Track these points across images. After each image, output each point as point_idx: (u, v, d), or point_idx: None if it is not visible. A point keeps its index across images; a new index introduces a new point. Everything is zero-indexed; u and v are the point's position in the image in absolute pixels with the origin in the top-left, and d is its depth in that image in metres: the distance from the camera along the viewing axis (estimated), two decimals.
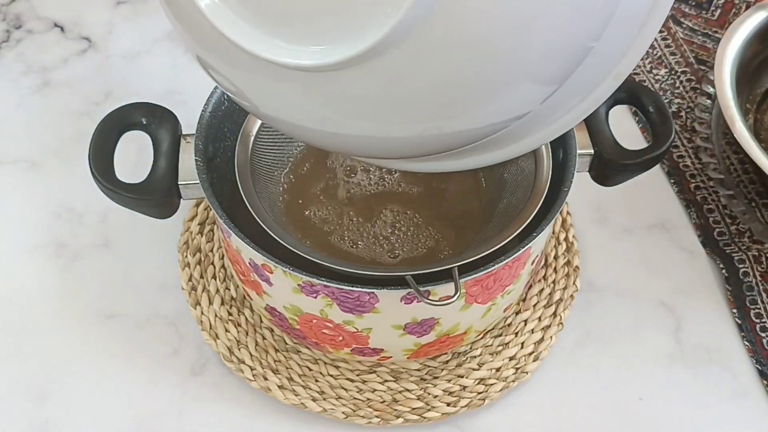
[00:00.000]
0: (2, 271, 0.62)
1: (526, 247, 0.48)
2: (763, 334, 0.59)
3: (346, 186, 0.56)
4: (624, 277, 0.63)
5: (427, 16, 0.28)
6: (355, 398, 0.56)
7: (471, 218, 0.55)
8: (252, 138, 0.52)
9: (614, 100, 0.53)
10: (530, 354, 0.58)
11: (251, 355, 0.57)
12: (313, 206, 0.55)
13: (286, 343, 0.58)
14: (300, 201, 0.55)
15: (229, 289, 0.60)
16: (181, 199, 0.51)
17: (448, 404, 0.56)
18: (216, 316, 0.59)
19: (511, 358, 0.58)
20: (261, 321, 0.59)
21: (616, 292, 0.62)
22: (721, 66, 0.65)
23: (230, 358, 0.57)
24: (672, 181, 0.67)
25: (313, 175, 0.56)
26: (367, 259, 0.53)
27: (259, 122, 0.52)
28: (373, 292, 0.47)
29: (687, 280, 0.62)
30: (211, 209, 0.56)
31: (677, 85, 0.73)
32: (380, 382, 0.57)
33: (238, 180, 0.49)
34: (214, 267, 0.61)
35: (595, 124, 0.52)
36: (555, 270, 0.62)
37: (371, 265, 0.52)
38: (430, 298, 0.44)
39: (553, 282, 0.61)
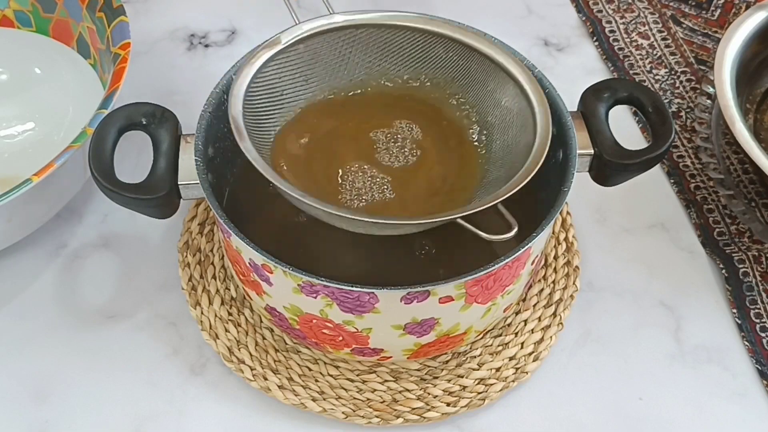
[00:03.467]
0: (2, 270, 0.62)
1: (526, 247, 0.48)
2: (763, 334, 0.59)
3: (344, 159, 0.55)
4: (624, 277, 0.63)
5: None
6: (355, 398, 0.56)
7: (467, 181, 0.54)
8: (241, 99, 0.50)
9: (614, 100, 0.53)
10: (530, 354, 0.58)
11: (251, 355, 0.57)
12: (309, 167, 0.53)
13: (286, 343, 0.58)
14: (296, 161, 0.54)
15: (229, 289, 0.60)
16: (181, 199, 0.51)
17: (448, 404, 0.56)
18: (216, 316, 0.59)
19: (510, 358, 0.58)
20: (261, 321, 0.59)
21: (616, 292, 0.62)
22: (721, 66, 0.65)
23: (230, 358, 0.57)
24: (672, 181, 0.67)
25: (306, 146, 0.55)
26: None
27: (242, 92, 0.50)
28: (372, 292, 0.47)
29: (687, 280, 0.62)
30: (211, 209, 0.56)
31: (677, 85, 0.73)
32: (380, 382, 0.57)
33: (235, 134, 0.48)
34: (214, 267, 0.61)
35: (595, 124, 0.52)
36: (555, 270, 0.62)
37: (396, 215, 0.50)
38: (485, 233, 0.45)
39: (553, 282, 0.61)
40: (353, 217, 0.46)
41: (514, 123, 0.53)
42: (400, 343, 0.52)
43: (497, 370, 0.57)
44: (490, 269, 0.47)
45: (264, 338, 0.58)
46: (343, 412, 0.55)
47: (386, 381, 0.57)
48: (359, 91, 0.57)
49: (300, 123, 0.55)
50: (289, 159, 0.53)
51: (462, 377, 0.57)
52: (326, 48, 0.54)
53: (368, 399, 0.56)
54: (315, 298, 0.48)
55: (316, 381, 0.57)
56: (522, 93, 0.52)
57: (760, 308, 0.60)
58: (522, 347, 0.58)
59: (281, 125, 0.54)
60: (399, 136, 0.55)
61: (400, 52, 0.56)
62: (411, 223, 0.48)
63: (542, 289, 0.61)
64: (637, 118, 0.72)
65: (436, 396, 0.56)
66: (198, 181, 0.49)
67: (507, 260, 0.47)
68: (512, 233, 0.46)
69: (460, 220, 0.45)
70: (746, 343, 0.59)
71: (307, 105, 0.56)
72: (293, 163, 0.53)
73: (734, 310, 0.60)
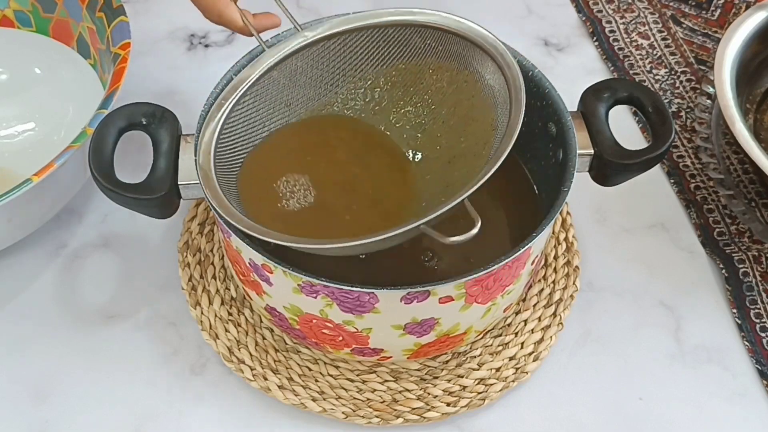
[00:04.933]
0: (2, 270, 0.62)
1: (526, 247, 0.48)
2: (763, 334, 0.59)
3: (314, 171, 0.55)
4: (624, 277, 0.63)
5: None
6: (355, 398, 0.56)
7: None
8: (213, 145, 0.51)
9: (614, 100, 0.53)
10: (530, 354, 0.58)
11: (251, 355, 0.57)
12: (281, 190, 0.53)
13: (286, 343, 0.58)
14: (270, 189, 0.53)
15: (229, 289, 0.60)
16: (181, 199, 0.51)
17: (448, 404, 0.56)
18: (216, 316, 0.59)
19: (510, 358, 0.58)
20: (261, 321, 0.59)
21: (616, 292, 0.62)
22: (721, 66, 0.65)
23: (230, 358, 0.57)
24: (672, 181, 0.67)
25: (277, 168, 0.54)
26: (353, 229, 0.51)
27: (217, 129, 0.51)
28: (372, 292, 0.47)
29: (687, 280, 0.62)
30: (211, 209, 0.56)
31: (677, 85, 0.73)
32: (380, 382, 0.57)
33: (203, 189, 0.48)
34: (214, 267, 0.61)
35: (595, 124, 0.52)
36: (555, 270, 0.62)
37: (369, 233, 0.47)
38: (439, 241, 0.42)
39: (553, 282, 0.61)
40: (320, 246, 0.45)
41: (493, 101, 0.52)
42: (400, 343, 0.52)
43: (497, 370, 0.57)
44: (490, 269, 0.47)
45: (264, 338, 0.58)
46: (343, 412, 0.55)
47: (386, 381, 0.57)
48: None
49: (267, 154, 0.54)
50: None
51: (462, 377, 0.57)
52: (304, 67, 0.54)
53: (368, 399, 0.56)
54: (315, 298, 0.48)
55: (316, 381, 0.57)
56: (499, 69, 0.50)
57: (760, 308, 0.60)
58: (522, 347, 0.58)
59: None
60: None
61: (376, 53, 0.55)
62: (374, 240, 0.45)
63: (542, 289, 0.61)
64: (637, 118, 0.72)
65: (436, 396, 0.56)
66: (198, 181, 0.49)
67: (507, 260, 0.47)
68: (474, 231, 0.42)
69: (423, 227, 0.43)
70: (746, 343, 0.59)
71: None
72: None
73: (734, 310, 0.60)
